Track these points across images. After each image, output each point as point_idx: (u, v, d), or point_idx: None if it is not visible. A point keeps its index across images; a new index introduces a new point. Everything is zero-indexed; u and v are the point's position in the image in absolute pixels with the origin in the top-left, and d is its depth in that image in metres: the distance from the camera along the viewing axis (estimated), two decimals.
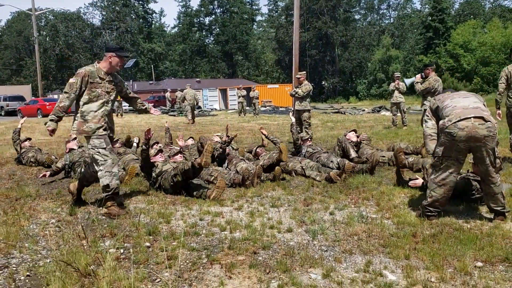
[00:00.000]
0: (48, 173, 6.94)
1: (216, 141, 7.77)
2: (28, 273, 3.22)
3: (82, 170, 6.46)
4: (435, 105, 4.39)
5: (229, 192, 5.74)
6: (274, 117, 21.67)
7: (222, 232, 4.10)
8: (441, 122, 4.16)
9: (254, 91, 24.03)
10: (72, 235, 3.98)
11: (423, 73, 8.99)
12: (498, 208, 4.17)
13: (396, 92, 13.59)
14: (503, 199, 4.16)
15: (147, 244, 3.80)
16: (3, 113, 32.17)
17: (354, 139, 7.61)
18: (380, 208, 4.80)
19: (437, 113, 4.36)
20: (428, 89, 8.80)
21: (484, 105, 4.23)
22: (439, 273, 3.08)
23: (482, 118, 3.97)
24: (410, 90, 16.08)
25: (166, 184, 5.66)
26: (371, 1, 65.25)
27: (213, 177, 6.18)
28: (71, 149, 7.32)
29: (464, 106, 4.10)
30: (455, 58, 41.15)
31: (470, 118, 3.95)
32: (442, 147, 4.12)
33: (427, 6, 59.17)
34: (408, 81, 9.01)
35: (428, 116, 4.49)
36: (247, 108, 25.57)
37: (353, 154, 7.17)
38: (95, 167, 4.74)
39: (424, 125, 4.50)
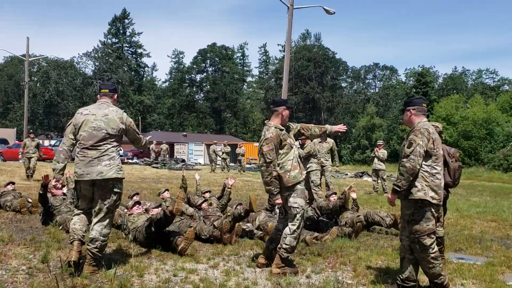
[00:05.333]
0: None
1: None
2: None
3: (70, 224, 6.30)
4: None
5: (206, 249, 5.69)
6: (258, 175, 21.70)
7: None
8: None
9: (240, 147, 24.25)
10: (42, 284, 3.88)
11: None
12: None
13: (376, 159, 13.85)
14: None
15: None
16: None
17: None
18: (357, 273, 4.79)
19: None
20: (310, 152, 9.70)
21: None
22: None
23: None
24: (392, 158, 16.46)
25: (140, 236, 5.60)
26: (358, 70, 67.86)
27: (192, 227, 6.11)
28: (54, 195, 7.21)
29: None
30: None
31: None
32: None
33: (411, 78, 61.63)
34: None
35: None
36: (231, 164, 25.69)
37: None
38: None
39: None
